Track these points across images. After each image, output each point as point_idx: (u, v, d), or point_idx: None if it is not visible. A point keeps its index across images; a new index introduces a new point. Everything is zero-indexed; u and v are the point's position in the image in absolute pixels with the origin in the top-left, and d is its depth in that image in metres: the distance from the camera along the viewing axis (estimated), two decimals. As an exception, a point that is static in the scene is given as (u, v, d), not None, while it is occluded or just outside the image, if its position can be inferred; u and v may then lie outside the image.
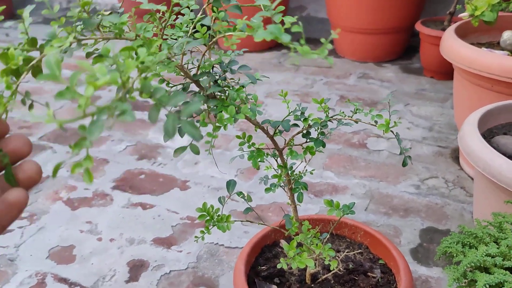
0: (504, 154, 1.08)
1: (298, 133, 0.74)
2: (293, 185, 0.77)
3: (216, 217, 0.73)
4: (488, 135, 1.20)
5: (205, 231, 0.74)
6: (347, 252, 0.94)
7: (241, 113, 0.58)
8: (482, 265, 0.66)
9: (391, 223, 1.43)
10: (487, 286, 0.61)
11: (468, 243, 0.72)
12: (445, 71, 2.37)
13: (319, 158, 1.78)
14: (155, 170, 1.76)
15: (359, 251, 0.98)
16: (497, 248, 0.67)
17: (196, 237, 0.79)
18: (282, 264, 0.74)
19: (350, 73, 2.58)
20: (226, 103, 0.59)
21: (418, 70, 2.58)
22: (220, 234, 1.39)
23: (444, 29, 2.31)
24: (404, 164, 0.70)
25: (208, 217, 0.72)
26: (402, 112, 2.14)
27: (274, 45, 3.00)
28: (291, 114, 0.72)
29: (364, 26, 2.62)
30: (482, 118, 1.18)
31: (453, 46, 1.56)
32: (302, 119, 0.72)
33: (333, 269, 0.89)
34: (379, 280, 0.90)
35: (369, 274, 0.92)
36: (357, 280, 0.90)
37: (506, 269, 0.66)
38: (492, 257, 0.65)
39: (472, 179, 1.61)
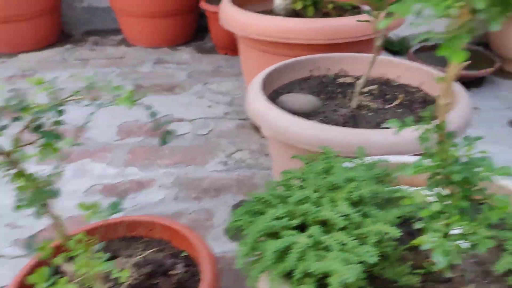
0: (289, 111, 1.07)
1: (24, 129, 0.56)
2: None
3: None
4: (275, 96, 1.19)
5: None
6: (140, 256, 0.81)
7: None
8: (272, 231, 0.59)
9: (203, 206, 1.34)
10: (276, 253, 0.54)
11: (258, 210, 0.65)
12: (236, 47, 2.40)
13: (119, 155, 1.60)
14: None
15: (158, 248, 0.85)
16: (285, 208, 0.61)
17: None
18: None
19: (144, 61, 2.42)
20: None
21: (212, 49, 2.56)
22: None
23: (227, 5, 2.32)
24: (164, 142, 0.58)
25: None
26: (202, 91, 2.08)
27: (55, 41, 2.64)
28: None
29: (150, 9, 2.47)
30: (266, 80, 1.15)
31: (232, 15, 1.53)
32: (21, 109, 0.54)
33: (124, 282, 0.74)
34: (182, 276, 0.78)
35: (170, 272, 0.80)
36: (157, 284, 0.77)
37: (296, 227, 0.61)
38: (280, 219, 0.59)
39: (274, 144, 1.64)
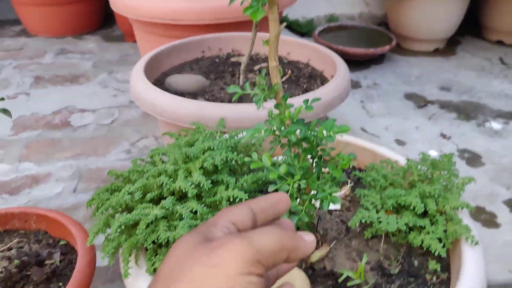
0: (175, 92, 1.06)
1: None
2: None
3: None
4: (163, 78, 1.17)
5: None
6: (11, 248, 0.76)
7: None
8: (127, 206, 0.58)
9: (103, 196, 1.30)
10: (123, 227, 0.53)
11: (116, 187, 0.63)
12: (144, 33, 2.33)
13: (13, 151, 1.50)
14: None
15: (35, 239, 0.81)
16: (141, 183, 0.60)
17: None
18: None
19: (45, 51, 2.29)
20: None
21: (120, 37, 2.48)
22: None
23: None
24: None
25: None
26: (107, 81, 2.00)
27: None
28: None
29: (48, -4, 2.34)
30: (152, 63, 1.13)
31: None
32: None
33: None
34: (57, 264, 0.75)
35: (46, 261, 0.76)
36: (30, 274, 0.73)
37: (152, 201, 0.60)
38: (132, 195, 0.58)
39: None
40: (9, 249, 0.80)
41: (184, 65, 1.25)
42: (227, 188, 0.59)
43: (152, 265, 0.52)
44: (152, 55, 1.13)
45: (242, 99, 1.07)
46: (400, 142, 1.54)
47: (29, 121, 1.68)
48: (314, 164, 0.58)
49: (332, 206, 0.73)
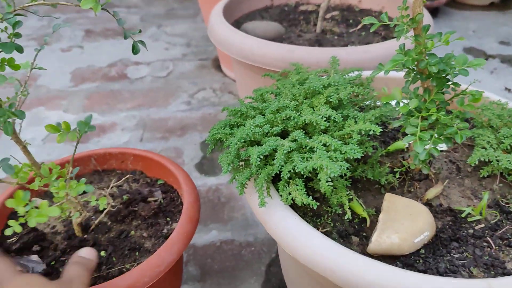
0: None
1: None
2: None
3: None
4: (236, 25, 1.16)
5: None
6: (115, 184, 0.79)
7: None
8: (253, 139, 0.59)
9: (171, 145, 1.32)
10: (261, 157, 0.53)
11: (235, 123, 0.64)
12: (189, -13, 2.30)
13: (76, 102, 1.52)
14: None
15: (133, 178, 0.83)
16: (263, 118, 0.61)
17: None
18: (14, 227, 0.53)
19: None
20: None
21: (163, -9, 2.45)
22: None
23: None
24: (125, 37, 0.53)
25: None
26: (157, 34, 1.99)
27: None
28: None
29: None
30: (226, 8, 1.11)
31: None
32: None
33: (105, 208, 0.73)
34: (161, 201, 0.77)
35: (149, 199, 0.78)
36: (137, 210, 0.75)
37: (277, 135, 0.60)
38: (261, 127, 0.58)
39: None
40: (110, 187, 0.82)
41: (254, 13, 1.23)
42: (355, 122, 0.58)
43: (290, 194, 0.53)
44: (227, 1, 1.11)
45: (321, 43, 1.06)
46: (463, 96, 1.51)
47: (87, 73, 1.69)
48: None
49: (439, 146, 0.73)
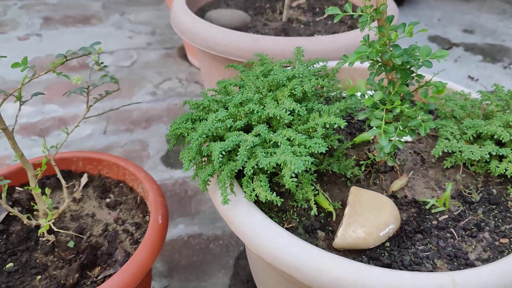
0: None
1: None
2: None
3: None
4: (201, 13, 1.12)
5: None
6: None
7: None
8: (215, 134, 0.57)
9: (136, 138, 1.28)
10: (224, 153, 0.52)
11: (197, 117, 0.62)
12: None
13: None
14: None
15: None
16: (226, 111, 0.59)
17: None
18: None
19: (50, -9, 2.18)
20: None
21: (126, -23, 2.37)
22: None
23: None
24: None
25: None
26: (120, 22, 1.93)
27: None
28: None
29: None
30: (190, -4, 1.07)
31: None
32: None
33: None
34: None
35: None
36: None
37: (240, 130, 0.59)
38: (223, 122, 0.57)
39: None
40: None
41: (219, 1, 1.19)
42: (320, 115, 0.57)
43: (253, 190, 0.52)
44: (190, -12, 1.07)
45: (287, 33, 1.04)
46: (428, 84, 1.53)
47: (46, 63, 1.62)
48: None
49: (404, 138, 0.73)
